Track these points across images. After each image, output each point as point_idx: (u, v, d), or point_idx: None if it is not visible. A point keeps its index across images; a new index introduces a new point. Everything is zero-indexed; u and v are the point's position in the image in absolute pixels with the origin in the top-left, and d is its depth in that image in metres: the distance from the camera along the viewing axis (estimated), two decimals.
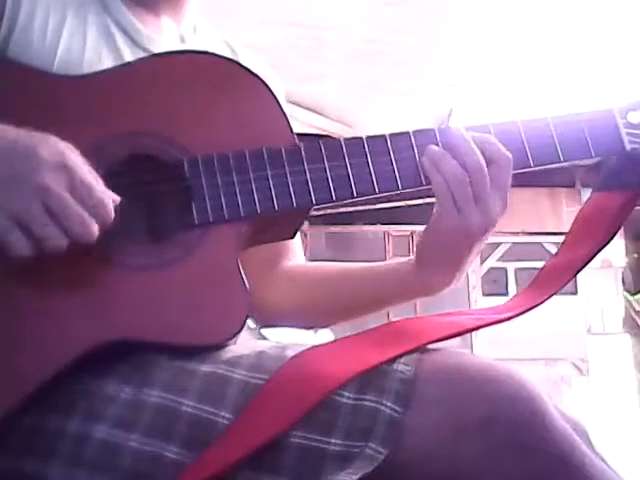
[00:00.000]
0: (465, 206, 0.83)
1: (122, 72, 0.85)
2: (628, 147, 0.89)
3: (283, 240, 0.97)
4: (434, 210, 0.86)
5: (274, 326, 1.09)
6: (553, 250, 4.80)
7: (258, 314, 1.03)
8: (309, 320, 1.04)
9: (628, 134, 0.89)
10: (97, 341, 0.74)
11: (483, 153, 0.83)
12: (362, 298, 0.98)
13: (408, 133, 0.87)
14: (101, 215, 0.74)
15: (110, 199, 0.75)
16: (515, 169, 0.86)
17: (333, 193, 0.84)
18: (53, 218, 0.72)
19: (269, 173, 0.82)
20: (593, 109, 0.91)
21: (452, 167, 0.83)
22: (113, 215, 0.75)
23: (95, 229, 0.73)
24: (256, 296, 1.02)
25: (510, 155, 0.84)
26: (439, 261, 0.88)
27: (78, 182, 0.73)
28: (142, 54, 0.91)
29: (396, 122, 4.16)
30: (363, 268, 0.99)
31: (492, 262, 5.77)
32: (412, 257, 0.91)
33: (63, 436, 0.71)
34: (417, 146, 0.86)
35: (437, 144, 0.86)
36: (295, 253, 1.06)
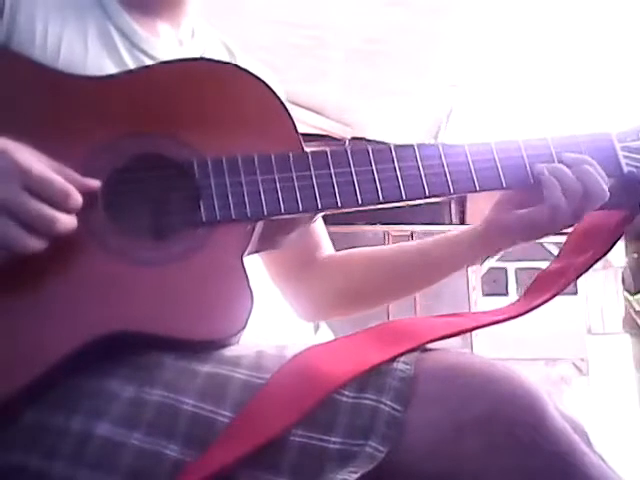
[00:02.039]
0: (565, 216, 0.89)
1: (133, 76, 0.87)
2: (625, 169, 0.92)
3: (288, 247, 0.99)
4: (532, 214, 0.92)
5: (329, 318, 1.12)
6: (553, 250, 4.80)
7: (306, 311, 1.05)
8: (364, 302, 1.06)
9: (625, 157, 0.93)
10: (100, 333, 0.75)
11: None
12: (416, 274, 1.03)
13: (412, 145, 0.89)
14: (65, 204, 0.74)
15: (76, 188, 0.75)
16: (516, 186, 0.90)
17: (339, 199, 0.85)
18: (16, 221, 0.72)
19: (276, 176, 0.84)
20: (591, 130, 0.95)
21: (574, 185, 0.89)
22: (79, 200, 0.75)
23: (63, 220, 0.73)
24: (300, 292, 1.04)
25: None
26: (511, 245, 0.95)
27: (33, 180, 0.72)
28: (142, 57, 0.92)
29: (396, 122, 4.16)
30: (417, 245, 1.04)
31: (492, 262, 5.77)
32: (468, 228, 0.98)
33: (66, 434, 0.72)
34: (421, 157, 0.88)
35: (440, 157, 0.89)
36: (326, 244, 1.09)
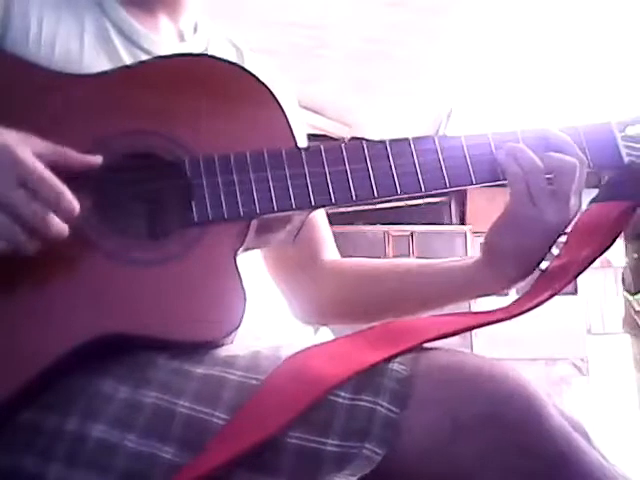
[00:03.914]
0: (540, 198, 0.84)
1: (126, 73, 0.86)
2: (626, 159, 0.91)
3: (284, 244, 0.98)
4: (507, 205, 0.87)
5: (326, 323, 1.10)
6: (552, 249, 4.79)
7: (308, 312, 1.04)
8: (362, 314, 1.04)
9: (626, 147, 0.91)
10: (94, 334, 0.74)
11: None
12: (427, 294, 0.98)
13: (407, 140, 0.88)
14: (63, 207, 0.72)
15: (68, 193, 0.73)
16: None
17: (332, 196, 0.84)
18: (11, 218, 0.70)
19: (269, 174, 0.83)
20: (591, 121, 0.93)
21: (530, 159, 0.85)
22: (76, 205, 0.73)
23: (56, 224, 0.71)
24: (304, 293, 1.03)
25: (583, 159, 0.87)
26: (512, 256, 0.88)
27: (31, 177, 0.71)
28: (140, 54, 0.92)
29: (396, 122, 4.15)
30: (426, 264, 1.00)
31: None
32: (476, 256, 0.93)
33: (61, 435, 0.71)
34: (416, 151, 0.87)
35: (436, 150, 0.87)
36: (331, 246, 1.07)
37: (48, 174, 0.73)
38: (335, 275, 1.05)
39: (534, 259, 0.89)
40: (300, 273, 1.06)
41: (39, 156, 0.74)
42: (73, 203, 0.74)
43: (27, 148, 0.73)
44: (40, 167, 0.72)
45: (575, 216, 0.88)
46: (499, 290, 0.92)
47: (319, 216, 1.07)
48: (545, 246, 0.88)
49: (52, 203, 0.72)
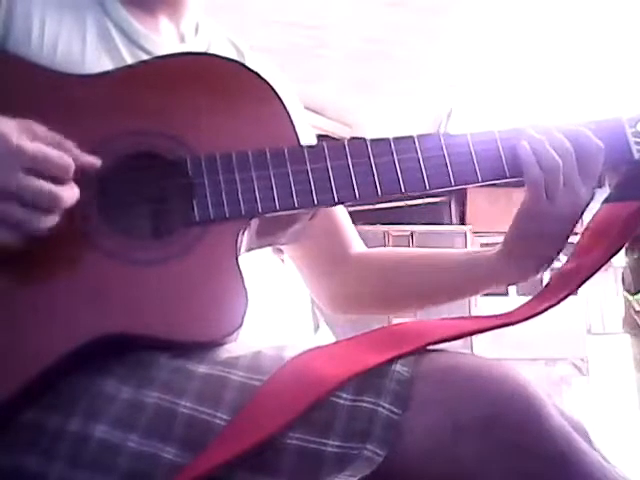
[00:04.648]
0: (556, 194, 0.85)
1: (128, 73, 0.86)
2: (636, 155, 0.90)
3: (286, 245, 0.98)
4: (524, 202, 0.88)
5: (356, 313, 1.11)
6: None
7: (336, 305, 1.05)
8: (389, 304, 1.05)
9: (637, 143, 0.90)
10: (95, 334, 0.75)
11: (573, 140, 0.87)
12: (448, 283, 1.00)
13: (412, 137, 0.87)
14: (67, 176, 0.73)
15: (73, 158, 0.74)
16: (518, 175, 0.88)
17: (335, 195, 0.84)
18: (20, 203, 0.71)
19: (271, 172, 0.82)
20: (601, 118, 0.92)
21: (551, 158, 0.85)
22: (72, 165, 0.74)
23: (63, 194, 0.73)
24: (331, 287, 1.04)
25: (601, 144, 0.86)
26: (531, 248, 0.90)
27: (30, 159, 0.72)
28: (141, 55, 0.92)
29: (396, 122, 4.15)
30: (447, 254, 1.02)
31: None
32: (497, 246, 0.94)
33: (64, 435, 0.72)
34: (421, 149, 0.86)
35: (441, 147, 0.87)
36: (357, 240, 1.08)
37: (50, 151, 0.73)
38: (363, 267, 1.06)
39: (552, 249, 0.91)
40: (332, 267, 1.07)
41: (36, 137, 0.74)
42: (70, 169, 0.74)
43: (24, 135, 0.73)
44: (35, 146, 0.73)
45: (588, 204, 0.89)
46: (519, 280, 0.94)
47: (341, 213, 1.08)
48: (562, 236, 0.90)
49: (60, 175, 0.73)
